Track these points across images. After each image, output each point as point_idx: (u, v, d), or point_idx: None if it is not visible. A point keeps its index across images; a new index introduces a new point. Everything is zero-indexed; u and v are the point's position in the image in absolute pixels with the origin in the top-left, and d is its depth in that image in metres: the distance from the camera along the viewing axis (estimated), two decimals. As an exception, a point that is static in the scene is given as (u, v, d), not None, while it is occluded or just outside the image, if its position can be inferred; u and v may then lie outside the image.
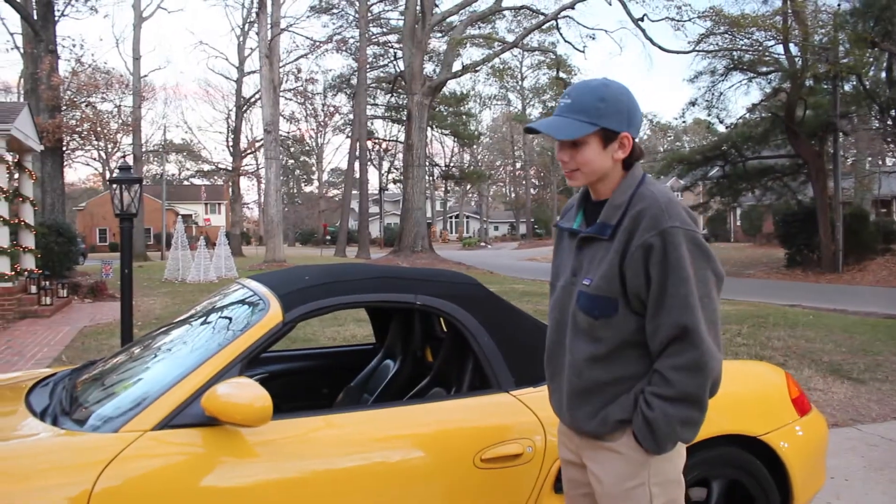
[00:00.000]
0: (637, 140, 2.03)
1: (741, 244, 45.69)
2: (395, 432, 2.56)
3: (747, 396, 3.06)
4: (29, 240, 15.84)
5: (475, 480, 2.54)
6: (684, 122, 31.75)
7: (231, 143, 51.63)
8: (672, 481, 2.01)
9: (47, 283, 15.29)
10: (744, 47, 24.62)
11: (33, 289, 14.67)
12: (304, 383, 3.89)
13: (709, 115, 27.57)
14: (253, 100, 48.09)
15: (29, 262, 15.54)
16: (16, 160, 14.99)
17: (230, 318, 2.76)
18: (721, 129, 28.37)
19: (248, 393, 2.22)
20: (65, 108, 30.39)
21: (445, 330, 3.35)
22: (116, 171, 5.82)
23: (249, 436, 2.35)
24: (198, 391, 2.34)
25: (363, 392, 3.71)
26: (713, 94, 26.50)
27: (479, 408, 2.67)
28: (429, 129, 38.60)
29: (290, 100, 41.40)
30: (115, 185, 5.63)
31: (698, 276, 1.90)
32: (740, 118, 27.77)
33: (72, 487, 2.11)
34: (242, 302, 2.85)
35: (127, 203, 5.53)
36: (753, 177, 27.25)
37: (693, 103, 27.62)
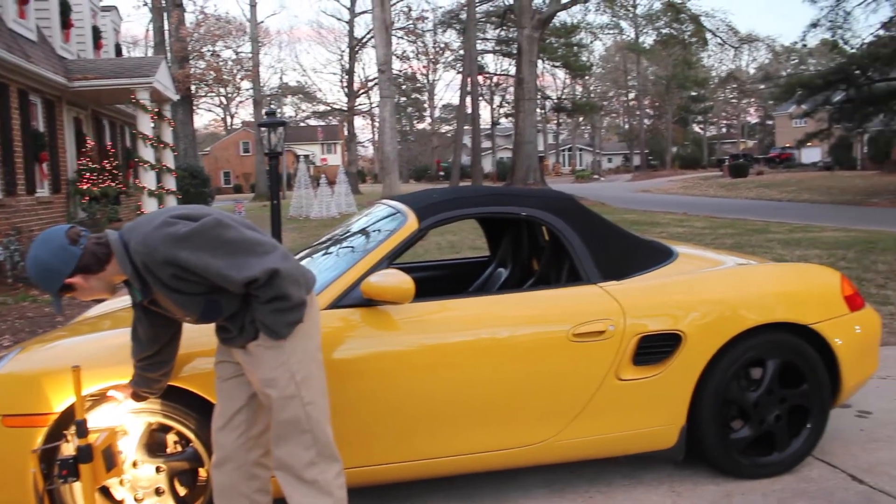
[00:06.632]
0: (83, 258, 2.40)
1: (868, 172, 43.59)
2: (508, 313, 3.31)
3: (800, 291, 3.58)
4: (171, 182, 17.41)
5: (569, 351, 3.25)
6: (804, 44, 30.49)
7: (345, 84, 52.99)
8: (306, 359, 2.59)
9: (189, 220, 16.77)
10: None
11: (178, 226, 16.22)
12: (428, 289, 4.65)
13: (833, 36, 26.49)
14: (365, 40, 49.05)
15: (171, 203, 17.13)
16: (156, 110, 16.42)
17: (377, 229, 3.54)
18: (848, 50, 27.18)
19: (395, 279, 3.01)
20: (191, 58, 32.05)
21: (547, 239, 4.03)
22: (264, 115, 6.74)
23: (395, 314, 3.15)
24: (356, 281, 3.17)
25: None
26: (837, 13, 25.40)
27: (572, 296, 3.37)
28: (539, 61, 38.52)
29: (402, 38, 42.11)
30: (263, 129, 6.55)
31: (194, 256, 2.39)
32: (871, 35, 26.56)
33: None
34: (385, 216, 3.62)
35: (274, 143, 6.45)
36: (881, 100, 26.09)
37: (815, 24, 26.60)
